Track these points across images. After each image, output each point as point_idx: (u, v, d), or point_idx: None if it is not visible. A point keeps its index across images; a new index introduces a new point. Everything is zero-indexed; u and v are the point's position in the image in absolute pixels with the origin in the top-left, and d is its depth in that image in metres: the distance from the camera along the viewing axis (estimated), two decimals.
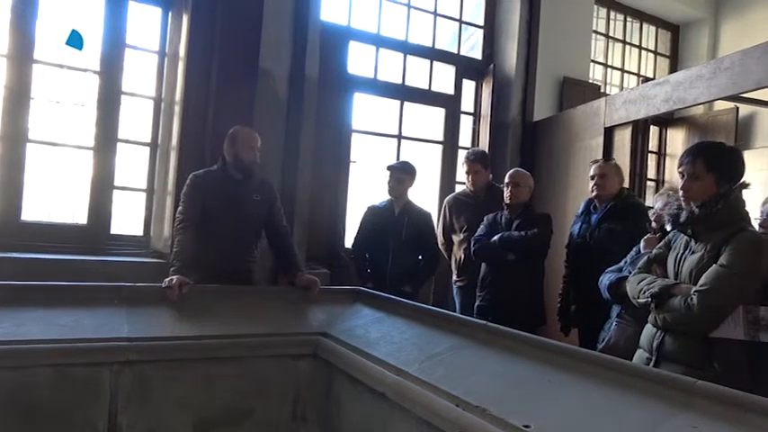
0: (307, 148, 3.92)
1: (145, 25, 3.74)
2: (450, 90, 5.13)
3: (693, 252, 2.06)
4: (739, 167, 2.07)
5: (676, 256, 2.13)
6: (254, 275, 3.04)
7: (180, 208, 2.85)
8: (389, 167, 3.82)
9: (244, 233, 2.95)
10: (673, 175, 5.63)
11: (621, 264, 2.72)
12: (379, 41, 4.76)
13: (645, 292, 2.08)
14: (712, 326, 1.92)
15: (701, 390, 1.32)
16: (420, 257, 3.80)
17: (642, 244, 2.68)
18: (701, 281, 1.94)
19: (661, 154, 5.87)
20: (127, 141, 3.69)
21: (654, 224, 2.81)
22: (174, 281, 2.37)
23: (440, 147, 5.08)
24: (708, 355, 1.92)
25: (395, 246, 3.68)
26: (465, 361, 1.82)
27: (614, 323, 2.66)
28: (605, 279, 2.67)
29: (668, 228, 2.18)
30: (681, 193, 2.11)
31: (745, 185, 2.06)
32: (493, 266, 3.48)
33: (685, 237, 2.12)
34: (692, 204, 2.04)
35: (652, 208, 2.90)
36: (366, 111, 4.76)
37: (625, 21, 6.20)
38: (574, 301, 3.26)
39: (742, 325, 1.89)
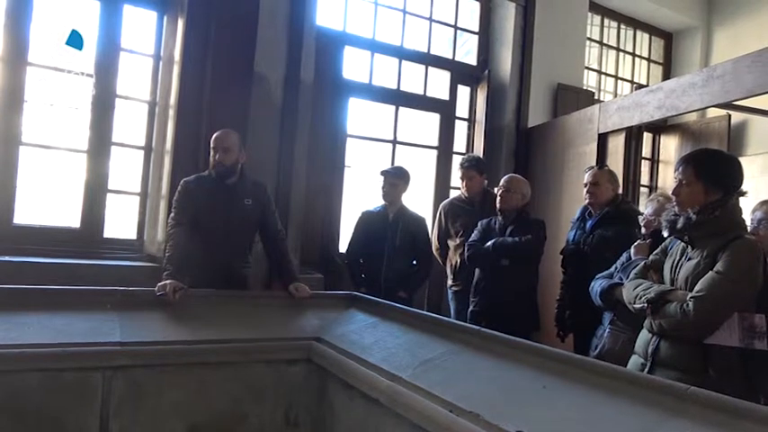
0: (301, 153, 3.92)
1: (140, 29, 3.74)
2: (445, 95, 5.15)
3: (690, 258, 2.06)
4: (733, 176, 2.07)
5: (673, 263, 2.14)
6: (248, 280, 3.03)
7: (172, 213, 2.85)
8: (383, 172, 3.82)
9: (235, 238, 2.93)
10: (666, 181, 5.66)
11: (612, 270, 2.73)
12: (375, 47, 4.77)
13: (641, 298, 2.09)
14: (707, 332, 1.93)
15: (694, 396, 1.32)
16: (414, 262, 3.79)
17: (632, 250, 2.68)
18: (697, 287, 1.95)
19: (654, 160, 5.90)
20: (121, 145, 3.68)
21: (643, 230, 2.82)
22: (167, 286, 2.36)
23: (434, 152, 5.09)
24: (703, 362, 1.93)
25: (389, 251, 3.67)
26: (459, 366, 1.82)
27: (607, 330, 2.67)
28: (596, 285, 2.68)
29: (665, 234, 2.18)
30: (673, 198, 2.13)
31: (743, 193, 2.07)
32: (486, 272, 3.48)
33: (682, 243, 2.13)
34: (689, 211, 2.05)
35: (642, 214, 2.91)
36: (361, 116, 4.77)
37: (619, 28, 6.24)
38: (568, 307, 3.27)
39: (737, 332, 1.90)
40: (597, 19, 6.01)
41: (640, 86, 5.74)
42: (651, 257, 2.29)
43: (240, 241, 2.98)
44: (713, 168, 2.07)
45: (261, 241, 3.06)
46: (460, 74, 5.22)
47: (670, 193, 2.17)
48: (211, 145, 2.93)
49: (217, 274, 2.78)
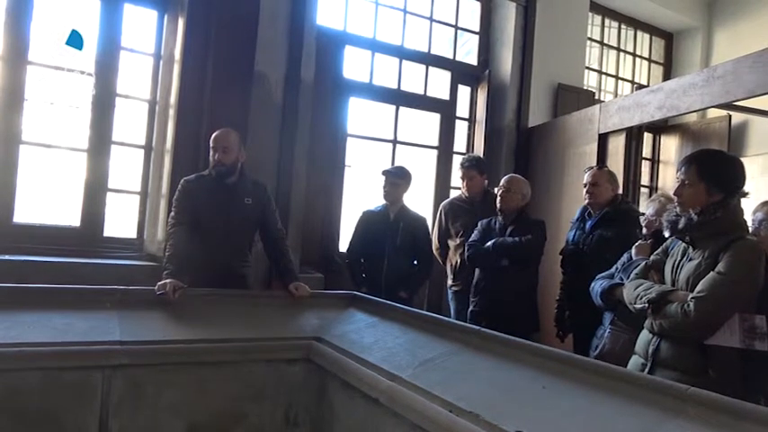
0: (302, 152, 3.92)
1: (140, 28, 3.73)
2: (446, 95, 5.15)
3: (691, 259, 2.06)
4: (735, 177, 2.07)
5: (674, 263, 2.14)
6: (248, 279, 3.02)
7: (172, 213, 2.86)
8: (384, 172, 3.81)
9: (234, 237, 2.93)
10: (666, 181, 5.65)
11: (612, 270, 2.73)
12: (375, 46, 4.77)
13: (642, 298, 2.09)
14: (708, 333, 1.93)
15: (694, 396, 1.32)
16: (415, 262, 3.79)
17: (633, 251, 2.68)
18: (698, 288, 1.95)
19: (655, 161, 5.90)
20: (121, 144, 3.68)
21: (644, 230, 2.82)
22: (167, 285, 2.36)
23: (435, 152, 5.09)
24: (703, 362, 1.93)
25: (390, 251, 3.67)
26: (458, 366, 1.82)
27: (608, 330, 2.66)
28: (597, 286, 2.67)
29: (666, 234, 2.18)
30: (675, 198, 2.12)
31: (744, 194, 2.07)
32: (486, 272, 3.48)
33: (683, 244, 2.13)
34: (690, 211, 2.05)
35: (644, 214, 2.91)
36: (361, 115, 4.76)
37: (619, 28, 6.24)
38: (568, 307, 3.27)
39: (737, 333, 1.90)
40: (598, 19, 6.01)
41: (641, 87, 5.74)
42: (652, 258, 2.29)
43: (240, 241, 2.98)
44: (715, 169, 2.07)
45: (261, 241, 3.06)
46: (461, 74, 5.22)
47: (671, 193, 2.16)
48: (211, 144, 2.92)
49: (217, 274, 2.78)
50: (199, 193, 2.87)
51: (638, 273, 2.26)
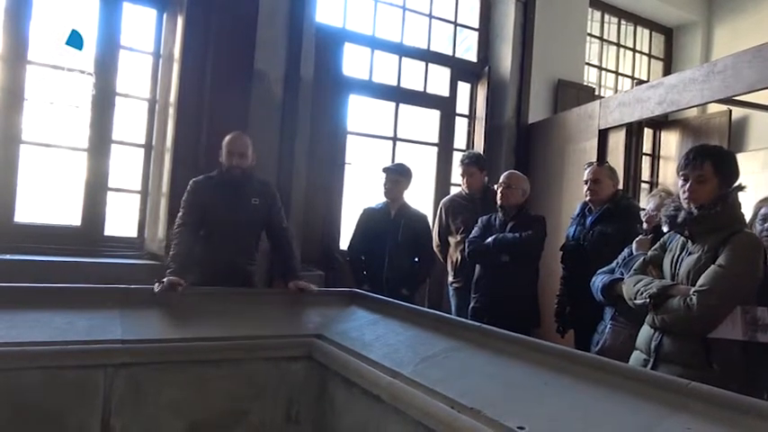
0: (302, 150, 3.92)
1: (139, 26, 3.73)
2: (446, 92, 5.14)
3: (690, 253, 2.06)
4: (737, 171, 2.09)
5: (673, 258, 2.14)
6: (253, 278, 3.04)
7: (180, 212, 2.86)
8: (385, 169, 3.81)
9: (242, 237, 2.94)
10: (666, 177, 5.65)
11: (613, 265, 2.73)
12: (375, 43, 4.76)
13: (642, 294, 2.09)
14: (711, 326, 1.93)
15: (695, 392, 1.32)
16: (416, 259, 3.79)
17: (634, 245, 2.68)
18: (700, 281, 1.95)
19: (655, 156, 5.89)
20: (121, 143, 3.68)
21: (645, 225, 2.82)
22: (164, 283, 2.37)
23: (435, 149, 5.09)
24: (706, 356, 1.93)
25: (391, 248, 3.67)
26: (460, 363, 1.82)
27: (609, 326, 2.66)
28: (598, 281, 2.67)
29: (665, 229, 2.18)
30: (686, 195, 2.08)
31: (742, 188, 2.07)
32: (487, 268, 3.48)
33: (682, 238, 2.13)
34: (690, 206, 2.05)
35: (644, 209, 2.91)
36: (361, 112, 4.76)
37: (619, 24, 6.22)
38: (569, 303, 3.27)
39: (740, 325, 1.90)
40: (597, 15, 6.00)
41: (641, 82, 5.73)
42: (650, 253, 2.29)
43: (247, 240, 2.99)
44: (728, 164, 2.08)
45: (267, 238, 3.07)
46: (461, 70, 5.21)
47: (685, 189, 2.08)
48: (226, 149, 2.88)
49: (224, 273, 2.79)
50: (207, 193, 2.87)
51: (636, 269, 2.26)
